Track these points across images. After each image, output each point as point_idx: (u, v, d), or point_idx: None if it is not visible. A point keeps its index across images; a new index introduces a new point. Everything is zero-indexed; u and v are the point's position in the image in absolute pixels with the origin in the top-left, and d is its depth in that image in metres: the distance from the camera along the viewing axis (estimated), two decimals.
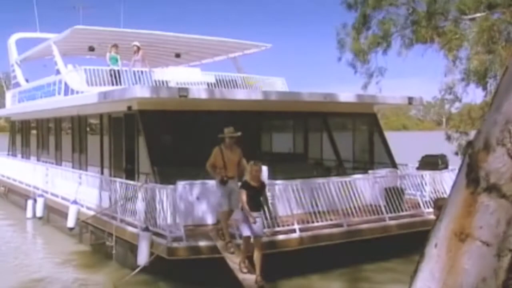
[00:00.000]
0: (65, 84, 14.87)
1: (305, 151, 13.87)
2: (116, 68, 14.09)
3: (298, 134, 14.13)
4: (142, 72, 14.27)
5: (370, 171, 12.28)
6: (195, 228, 9.39)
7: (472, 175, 1.56)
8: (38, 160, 17.94)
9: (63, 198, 13.31)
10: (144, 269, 8.60)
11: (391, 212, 10.26)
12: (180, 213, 9.08)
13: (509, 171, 1.47)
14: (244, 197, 7.74)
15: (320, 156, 13.70)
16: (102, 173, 12.63)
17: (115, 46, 14.62)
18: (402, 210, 10.53)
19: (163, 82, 14.02)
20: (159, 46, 16.96)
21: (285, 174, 10.66)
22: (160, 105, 10.84)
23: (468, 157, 1.59)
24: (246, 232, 7.80)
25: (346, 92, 12.92)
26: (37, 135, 18.86)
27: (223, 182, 8.51)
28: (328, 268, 9.04)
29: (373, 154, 14.14)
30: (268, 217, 9.00)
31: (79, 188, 12.46)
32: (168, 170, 10.67)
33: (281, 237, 8.91)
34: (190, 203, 9.68)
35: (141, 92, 10.39)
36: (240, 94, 11.80)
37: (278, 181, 9.79)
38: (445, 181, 11.53)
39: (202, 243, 8.58)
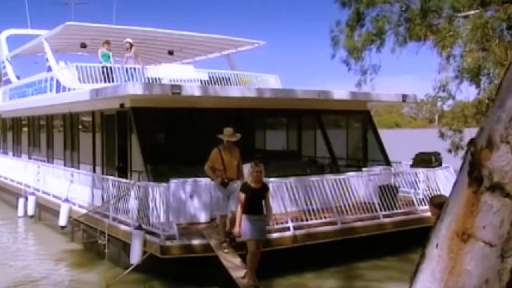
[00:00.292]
0: (57, 81, 14.75)
1: (299, 149, 13.85)
2: (108, 65, 14.00)
3: (292, 132, 14.10)
4: (134, 69, 14.19)
5: (364, 169, 12.28)
6: (188, 226, 9.34)
7: (474, 173, 1.51)
8: (29, 157, 17.80)
9: (54, 196, 13.21)
10: (137, 268, 8.54)
11: (385, 210, 10.26)
12: (173, 211, 9.02)
13: None
14: (242, 200, 7.60)
15: (314, 153, 13.69)
16: (94, 171, 12.53)
17: (107, 42, 14.53)
18: (396, 208, 10.53)
19: (156, 79, 13.94)
20: (152, 43, 16.86)
21: (279, 172, 10.63)
22: (153, 102, 10.77)
23: (470, 155, 1.55)
24: (248, 235, 7.59)
25: (340, 90, 12.89)
26: (29, 133, 18.71)
27: (224, 185, 8.37)
28: (322, 266, 9.02)
29: (367, 151, 14.14)
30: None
31: (71, 186, 12.37)
32: (161, 168, 10.61)
33: (275, 235, 8.87)
34: (183, 201, 9.62)
35: (133, 89, 10.30)
36: (233, 92, 11.74)
37: (271, 179, 9.74)
38: (438, 178, 11.55)
39: (196, 242, 8.53)
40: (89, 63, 14.08)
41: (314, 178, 10.24)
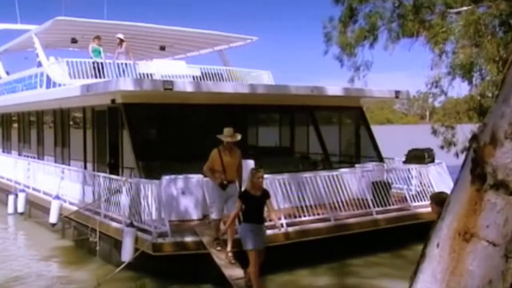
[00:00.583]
0: (47, 76, 14.57)
1: (292, 145, 13.82)
2: (99, 60, 13.86)
3: (285, 128, 14.06)
4: (126, 64, 14.06)
5: (357, 165, 12.27)
6: (180, 223, 9.27)
7: (477, 171, 1.47)
8: (19, 154, 17.62)
9: (45, 193, 13.08)
10: (129, 265, 8.46)
11: (378, 206, 10.26)
12: (165, 208, 8.95)
13: None
14: (238, 208, 7.45)
15: (307, 150, 13.66)
16: (85, 167, 12.42)
17: (98, 38, 14.38)
18: (389, 204, 10.54)
19: (147, 75, 13.83)
20: (144, 39, 16.71)
21: (271, 168, 10.57)
22: (145, 98, 10.67)
23: (473, 152, 1.50)
24: (249, 245, 7.40)
25: (333, 86, 12.87)
26: (19, 129, 18.52)
27: (222, 187, 8.17)
28: (315, 263, 8.99)
29: (359, 147, 14.14)
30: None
31: (61, 183, 12.25)
32: (153, 165, 10.52)
33: (267, 232, 8.82)
34: (175, 198, 9.55)
35: (124, 84, 10.19)
36: (226, 87, 11.67)
37: (264, 175, 9.68)
38: (431, 174, 11.57)
39: (188, 239, 8.47)
40: (79, 59, 13.93)
41: (307, 174, 10.20)
